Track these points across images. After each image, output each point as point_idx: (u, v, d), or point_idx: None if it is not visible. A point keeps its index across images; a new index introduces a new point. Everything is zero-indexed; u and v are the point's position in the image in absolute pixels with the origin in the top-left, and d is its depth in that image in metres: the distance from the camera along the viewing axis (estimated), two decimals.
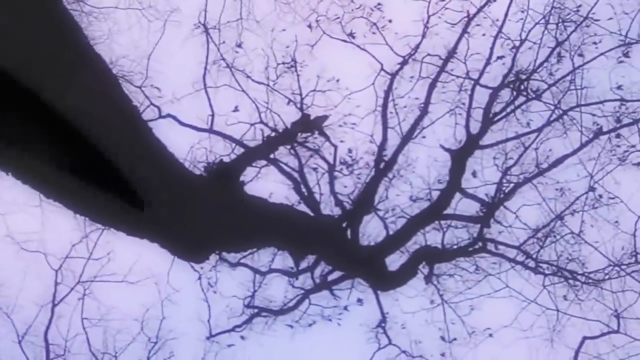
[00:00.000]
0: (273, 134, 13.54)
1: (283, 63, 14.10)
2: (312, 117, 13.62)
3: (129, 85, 13.65)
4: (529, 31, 13.96)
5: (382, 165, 14.05)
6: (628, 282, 14.33)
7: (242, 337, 14.34)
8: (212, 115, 13.72)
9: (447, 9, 13.95)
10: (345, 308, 14.42)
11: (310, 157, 14.06)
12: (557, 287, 14.50)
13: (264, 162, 13.95)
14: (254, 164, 13.75)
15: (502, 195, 14.24)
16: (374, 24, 13.97)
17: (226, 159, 12.87)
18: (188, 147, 13.25)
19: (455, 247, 14.44)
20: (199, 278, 13.88)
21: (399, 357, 14.61)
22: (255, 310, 14.44)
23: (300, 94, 14.08)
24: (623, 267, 14.08)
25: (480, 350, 14.34)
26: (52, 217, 13.45)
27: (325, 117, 13.61)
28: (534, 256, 14.49)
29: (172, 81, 13.76)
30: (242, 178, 13.04)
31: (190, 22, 13.89)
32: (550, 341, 14.26)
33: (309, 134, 13.63)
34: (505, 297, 14.28)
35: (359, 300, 14.38)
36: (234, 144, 13.76)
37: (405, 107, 14.26)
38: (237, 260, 14.20)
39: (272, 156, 13.92)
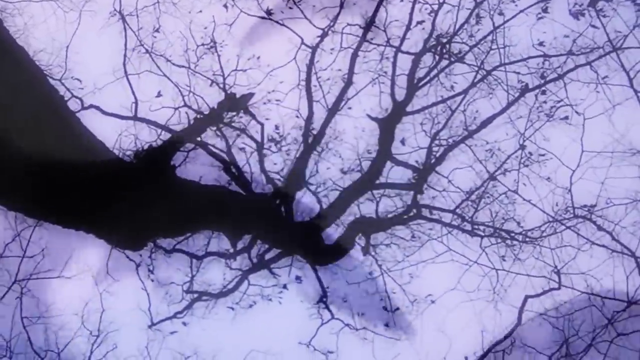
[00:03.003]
0: (199, 117, 15.09)
1: (202, 45, 15.61)
2: (237, 96, 15.14)
3: (49, 78, 15.21)
4: None
5: (310, 139, 15.66)
6: (565, 238, 15.95)
7: (184, 323, 15.81)
8: (136, 103, 15.30)
9: None
10: (285, 286, 15.91)
11: (238, 137, 15.63)
12: (495, 248, 16.04)
13: (191, 146, 15.51)
14: (182, 148, 15.32)
15: (433, 161, 15.91)
16: None
17: (154, 145, 14.43)
18: (115, 136, 14.65)
19: (390, 216, 16.02)
20: (138, 266, 15.35)
21: (343, 331, 16.03)
22: (195, 295, 15.88)
23: (223, 75, 15.62)
24: (559, 222, 15.71)
25: (425, 317, 15.98)
26: None
27: (250, 95, 15.25)
28: (470, 219, 16.07)
29: (92, 71, 15.22)
30: (171, 163, 14.65)
31: (106, 11, 15.37)
32: (493, 302, 15.88)
33: (235, 113, 15.22)
34: (446, 261, 15.89)
35: (298, 278, 15.92)
36: (160, 130, 15.30)
37: (328, 79, 15.89)
38: (173, 246, 15.72)
39: (199, 139, 15.47)
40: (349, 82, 15.59)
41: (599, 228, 15.58)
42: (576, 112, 15.79)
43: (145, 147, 14.66)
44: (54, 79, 15.04)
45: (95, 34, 15.20)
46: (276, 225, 15.15)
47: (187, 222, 14.40)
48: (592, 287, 15.46)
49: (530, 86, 15.94)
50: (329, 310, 16.08)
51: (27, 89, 12.53)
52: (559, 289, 15.65)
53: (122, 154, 14.31)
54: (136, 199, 12.81)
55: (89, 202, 12.36)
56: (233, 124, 15.44)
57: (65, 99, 14.90)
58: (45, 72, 14.94)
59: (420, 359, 15.61)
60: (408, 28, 15.69)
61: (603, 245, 15.51)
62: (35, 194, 12.14)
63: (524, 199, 15.86)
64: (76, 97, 15.06)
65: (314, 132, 15.76)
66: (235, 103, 15.01)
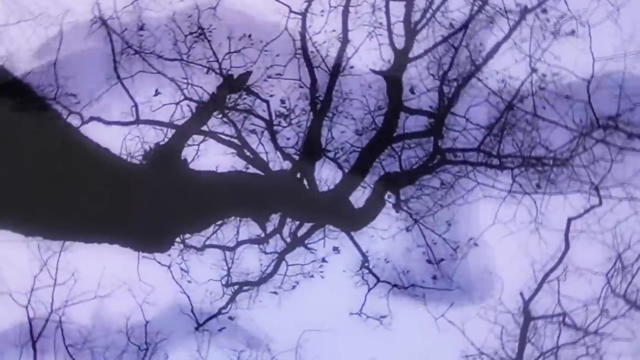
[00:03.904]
0: (201, 106, 14.72)
1: (190, 34, 15.23)
2: (235, 77, 14.77)
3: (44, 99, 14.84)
4: None
5: (318, 107, 15.27)
6: (597, 152, 15.56)
7: (231, 318, 15.54)
8: (135, 106, 14.91)
9: None
10: (324, 260, 15.62)
11: (245, 119, 15.30)
12: (527, 178, 15.65)
13: (201, 138, 15.14)
14: (191, 142, 14.96)
15: (446, 103, 15.50)
16: None
17: (161, 143, 14.09)
18: (121, 142, 14.29)
19: (415, 167, 15.64)
20: (169, 267, 14.98)
21: (391, 293, 15.72)
22: (236, 288, 15.62)
23: (217, 60, 15.23)
24: (587, 136, 15.30)
25: (470, 261, 15.62)
26: (5, 255, 14.57)
27: (248, 73, 14.89)
28: (496, 153, 15.67)
29: (85, 83, 14.85)
30: (183, 157, 14.28)
31: (86, 19, 14.96)
32: (536, 231, 15.49)
33: (236, 94, 14.85)
34: (478, 199, 15.54)
35: (335, 249, 15.61)
36: (165, 128, 14.93)
37: (324, 42, 15.54)
38: (203, 243, 15.39)
39: (207, 129, 15.10)
40: (345, 41, 15.27)
41: (629, 135, 15.06)
42: (580, 23, 15.18)
43: (152, 146, 13.99)
44: (49, 99, 14.44)
45: (80, 44, 14.75)
46: (302, 199, 14.88)
47: (211, 214, 14.08)
48: (632, 195, 14.88)
49: (529, 6, 15.32)
50: (374, 275, 15.85)
51: (24, 117, 12.06)
52: (600, 204, 15.17)
53: (130, 158, 13.77)
54: (152, 199, 12.41)
55: (105, 211, 11.96)
56: (238, 107, 14.90)
57: (64, 116, 14.21)
58: (37, 94, 14.33)
59: (475, 305, 15.10)
60: None
61: (635, 149, 14.90)
62: (51, 214, 11.76)
63: (545, 120, 15.21)
64: (75, 113, 14.59)
65: (321, 98, 15.31)
66: (234, 84, 14.70)
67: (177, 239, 14.77)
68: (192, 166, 14.89)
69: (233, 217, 15.06)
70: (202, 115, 14.43)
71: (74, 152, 11.43)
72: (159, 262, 15.08)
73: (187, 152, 14.82)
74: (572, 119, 15.48)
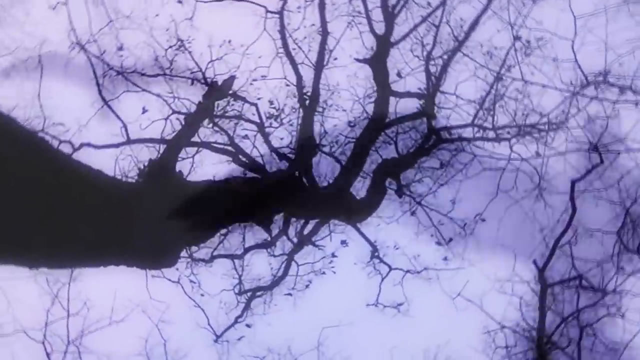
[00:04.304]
0: (190, 116, 14.61)
1: (170, 47, 15.13)
2: (219, 83, 14.67)
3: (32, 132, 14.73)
4: None
5: (307, 103, 15.17)
6: (591, 111, 15.47)
7: (248, 326, 15.44)
8: (124, 126, 14.80)
9: None
10: (333, 255, 15.51)
11: (236, 125, 15.20)
12: (525, 146, 15.56)
13: (194, 150, 15.04)
14: (185, 155, 14.86)
15: (434, 82, 15.40)
16: None
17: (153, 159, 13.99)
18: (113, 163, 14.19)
19: (412, 150, 15.53)
20: (178, 281, 14.87)
21: (405, 279, 15.64)
22: (249, 294, 15.50)
23: (200, 69, 15.13)
24: (578, 95, 15.20)
25: (479, 235, 15.52)
26: (14, 294, 14.46)
27: (232, 78, 14.80)
28: (492, 126, 15.60)
29: (71, 111, 14.76)
30: (179, 170, 14.18)
31: (64, 46, 14.89)
32: (540, 198, 15.37)
33: (223, 100, 14.75)
34: (479, 173, 15.40)
35: (343, 242, 15.51)
36: (158, 145, 14.82)
37: (305, 38, 15.49)
38: (210, 254, 15.29)
39: (199, 140, 14.99)
40: (325, 33, 15.21)
41: (620, 89, 14.95)
42: None
43: (146, 164, 13.90)
44: (37, 131, 14.33)
45: (61, 73, 14.63)
46: (303, 197, 14.70)
47: (213, 223, 13.82)
48: (630, 147, 14.78)
49: None
50: (385, 263, 15.81)
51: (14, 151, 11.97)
52: (602, 163, 15.05)
53: (125, 177, 13.67)
54: (152, 215, 12.26)
55: (106, 233, 11.86)
56: (227, 114, 14.79)
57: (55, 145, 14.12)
58: (26, 128, 14.22)
59: (490, 280, 15.00)
60: None
61: (628, 101, 14.81)
62: (51, 243, 11.68)
63: (535, 84, 15.25)
64: (65, 142, 14.42)
65: (309, 94, 15.24)
66: (219, 90, 14.51)
67: (185, 254, 14.55)
68: (189, 179, 14.57)
69: (237, 224, 14.72)
70: (192, 125, 14.35)
71: (68, 179, 11.31)
72: (169, 280, 14.83)
73: (183, 166, 14.63)
74: (561, 80, 15.12)
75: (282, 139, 15.28)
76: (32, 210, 11.29)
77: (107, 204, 11.99)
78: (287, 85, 15.30)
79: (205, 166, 14.93)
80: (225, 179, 14.15)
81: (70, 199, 11.67)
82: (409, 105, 15.58)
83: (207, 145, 14.75)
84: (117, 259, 12.54)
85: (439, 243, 15.67)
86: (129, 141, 14.64)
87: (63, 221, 11.61)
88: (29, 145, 12.56)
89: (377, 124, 15.12)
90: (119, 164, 14.11)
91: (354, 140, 15.33)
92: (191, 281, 14.83)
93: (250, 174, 14.88)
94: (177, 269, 14.64)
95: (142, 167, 13.75)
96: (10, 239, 10.88)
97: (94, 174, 12.12)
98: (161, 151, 14.73)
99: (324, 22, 15.14)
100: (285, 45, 15.25)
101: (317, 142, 15.29)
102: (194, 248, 14.91)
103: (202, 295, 15.33)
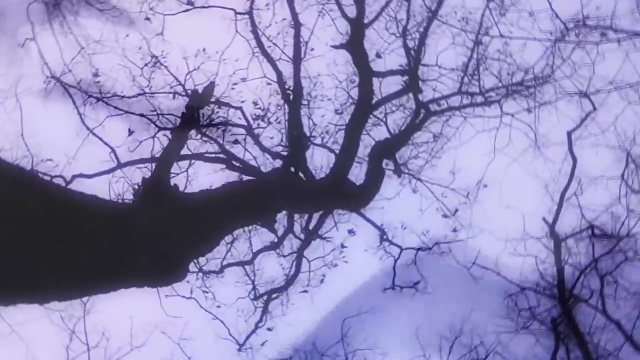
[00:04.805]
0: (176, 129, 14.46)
1: (146, 65, 14.96)
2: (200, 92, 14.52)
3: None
4: None
5: (291, 98, 15.00)
6: (576, 59, 15.31)
7: (269, 329, 15.33)
8: (113, 151, 14.62)
9: None
10: (343, 245, 15.35)
11: (224, 132, 15.03)
12: (516, 105, 15.43)
13: (187, 164, 14.88)
14: (179, 170, 14.70)
15: (414, 56, 15.25)
16: None
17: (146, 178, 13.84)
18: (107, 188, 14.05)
19: (403, 128, 15.39)
20: (191, 294, 14.75)
21: (418, 257, 15.54)
22: (265, 298, 15.35)
23: (180, 83, 14.98)
24: (561, 42, 15.00)
25: (484, 201, 15.41)
26: (32, 337, 14.38)
27: (212, 84, 14.61)
28: (479, 91, 15.46)
29: (58, 145, 14.61)
30: (174, 184, 14.02)
31: (40, 81, 14.75)
32: (539, 154, 15.30)
33: (207, 108, 14.59)
34: (474, 137, 15.40)
35: (351, 231, 15.39)
36: (149, 164, 14.66)
37: (279, 34, 15.36)
38: (220, 265, 15.16)
39: (191, 153, 14.83)
40: (298, 26, 15.07)
41: (601, 32, 14.77)
42: None
43: (140, 183, 13.76)
44: (28, 170, 14.14)
45: (41, 108, 14.48)
46: (302, 192, 14.46)
47: (216, 231, 13.68)
48: (619, 85, 14.63)
49: None
50: (396, 245, 15.70)
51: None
52: (595, 110, 14.86)
53: (122, 200, 13.52)
54: (153, 233, 12.13)
55: (111, 257, 11.74)
56: (214, 123, 14.63)
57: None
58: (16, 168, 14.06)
59: (502, 243, 14.88)
60: None
61: (610, 40, 14.66)
62: (58, 275, 11.57)
63: (515, 38, 15.10)
64: (57, 177, 14.24)
65: (292, 89, 15.02)
66: (201, 98, 14.31)
67: (195, 268, 14.44)
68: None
69: (243, 231, 14.59)
70: (179, 138, 14.09)
71: (63, 209, 11.13)
72: (183, 297, 14.67)
73: (178, 181, 14.42)
74: (540, 31, 15.11)
75: (272, 138, 15.20)
76: (33, 245, 11.14)
77: (107, 228, 11.83)
78: (269, 84, 15.20)
79: (200, 178, 14.81)
80: (222, 187, 13.72)
81: (69, 228, 11.51)
82: (394, 84, 15.22)
83: (199, 156, 14.57)
84: (126, 281, 12.33)
85: (445, 216, 15.64)
86: (120, 165, 14.48)
87: (65, 251, 11.47)
88: (20, 183, 12.31)
89: (364, 108, 14.92)
90: (113, 188, 13.84)
91: (344, 127, 15.08)
92: (204, 292, 14.54)
93: (246, 178, 14.48)
94: (189, 282, 14.40)
95: (136, 187, 13.48)
96: (16, 277, 10.71)
97: (89, 200, 11.94)
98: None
99: (295, 15, 15.00)
100: (260, 44, 15.09)
101: (308, 135, 15.04)
102: (203, 261, 14.63)
103: (218, 307, 15.29)
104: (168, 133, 14.78)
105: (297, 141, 14.92)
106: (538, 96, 15.32)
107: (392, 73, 15.19)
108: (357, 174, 15.23)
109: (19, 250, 10.93)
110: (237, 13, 15.22)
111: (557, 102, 15.13)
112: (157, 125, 14.85)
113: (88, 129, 14.63)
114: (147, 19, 15.03)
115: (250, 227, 14.85)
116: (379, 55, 15.27)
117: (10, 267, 10.55)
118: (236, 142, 15.02)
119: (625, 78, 14.91)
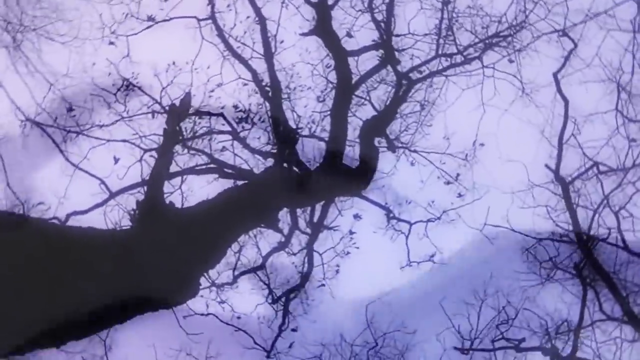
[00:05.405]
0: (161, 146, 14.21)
1: (118, 90, 14.69)
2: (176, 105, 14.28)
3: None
4: None
5: (270, 94, 14.75)
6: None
7: (294, 330, 15.04)
8: (103, 182, 14.37)
9: None
10: (351, 232, 15.07)
11: (210, 141, 14.77)
12: (498, 53, 15.15)
13: (179, 180, 14.61)
14: (172, 188, 14.43)
15: (385, 27, 15.00)
16: None
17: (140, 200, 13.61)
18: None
19: (388, 102, 15.13)
20: (207, 309, 14.53)
21: (428, 229, 15.41)
22: (284, 300, 15.07)
23: (156, 101, 14.72)
24: None
25: (483, 159, 15.24)
26: None
27: (188, 95, 14.41)
28: (457, 51, 15.23)
29: (45, 186, 14.35)
30: (169, 201, 13.76)
31: (15, 126, 14.46)
32: (528, 99, 15.16)
33: (188, 119, 14.33)
34: (460, 95, 15.24)
35: (356, 216, 15.12)
36: (140, 188, 14.40)
37: (245, 32, 15.16)
38: (232, 275, 14.90)
39: (180, 168, 14.57)
40: (262, 21, 14.91)
41: None
42: None
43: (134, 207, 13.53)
44: (19, 217, 13.90)
45: (22, 153, 14.16)
46: (299, 185, 14.17)
47: (219, 241, 13.46)
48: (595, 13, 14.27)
49: None
50: (404, 221, 15.54)
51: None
52: (576, 46, 14.68)
53: (119, 227, 13.26)
54: (156, 254, 11.89)
55: (117, 285, 11.51)
56: (197, 134, 14.38)
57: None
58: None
59: (509, 197, 14.61)
60: None
61: None
62: (68, 314, 11.33)
63: None
64: (52, 219, 13.96)
65: (269, 85, 14.81)
66: (179, 111, 14.00)
67: (207, 282, 14.17)
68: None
69: (248, 236, 14.35)
70: (165, 154, 13.80)
71: (61, 246, 10.85)
72: (202, 314, 14.38)
73: (174, 199, 14.17)
74: None
75: (259, 138, 15.01)
76: (38, 287, 10.90)
77: (108, 256, 11.60)
78: (245, 84, 15.02)
79: (195, 192, 14.52)
80: (217, 195, 13.47)
81: (71, 263, 11.26)
82: (370, 60, 15.07)
83: (189, 170, 14.39)
84: (138, 308, 12.05)
85: (447, 182, 15.52)
86: (112, 195, 14.31)
87: (71, 287, 11.21)
88: (13, 227, 12.08)
89: (345, 89, 14.81)
90: (109, 217, 13.57)
91: (328, 113, 14.85)
92: (220, 302, 14.27)
93: (241, 182, 14.23)
94: (202, 295, 14.16)
95: (132, 212, 13.23)
96: (27, 322, 10.44)
97: (86, 232, 11.68)
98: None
99: (257, 10, 14.86)
100: (228, 46, 14.99)
101: (294, 128, 14.89)
102: (214, 275, 14.38)
103: (238, 317, 14.98)
104: (154, 153, 14.31)
105: (284, 136, 14.48)
106: (516, 43, 14.88)
107: (366, 49, 15.00)
108: (351, 156, 14.84)
109: (24, 295, 10.68)
110: (199, 20, 15.00)
111: (536, 45, 14.59)
112: (141, 148, 14.55)
113: (73, 164, 14.37)
114: (111, 43, 14.69)
115: (255, 231, 14.45)
116: (349, 34, 15.08)
117: (17, 313, 10.25)
118: (224, 149, 14.81)
119: (599, 7, 14.49)
